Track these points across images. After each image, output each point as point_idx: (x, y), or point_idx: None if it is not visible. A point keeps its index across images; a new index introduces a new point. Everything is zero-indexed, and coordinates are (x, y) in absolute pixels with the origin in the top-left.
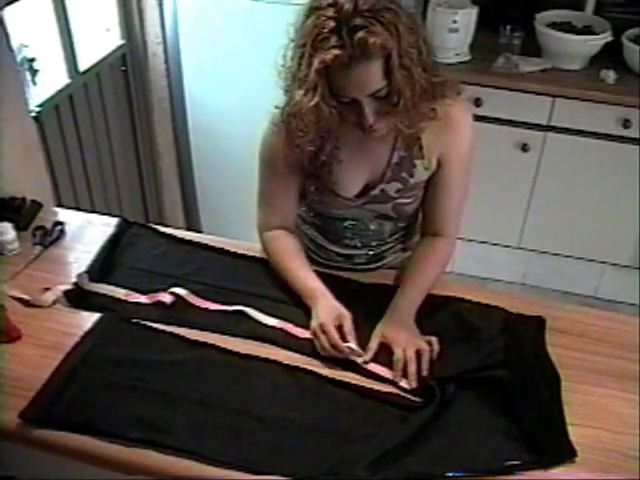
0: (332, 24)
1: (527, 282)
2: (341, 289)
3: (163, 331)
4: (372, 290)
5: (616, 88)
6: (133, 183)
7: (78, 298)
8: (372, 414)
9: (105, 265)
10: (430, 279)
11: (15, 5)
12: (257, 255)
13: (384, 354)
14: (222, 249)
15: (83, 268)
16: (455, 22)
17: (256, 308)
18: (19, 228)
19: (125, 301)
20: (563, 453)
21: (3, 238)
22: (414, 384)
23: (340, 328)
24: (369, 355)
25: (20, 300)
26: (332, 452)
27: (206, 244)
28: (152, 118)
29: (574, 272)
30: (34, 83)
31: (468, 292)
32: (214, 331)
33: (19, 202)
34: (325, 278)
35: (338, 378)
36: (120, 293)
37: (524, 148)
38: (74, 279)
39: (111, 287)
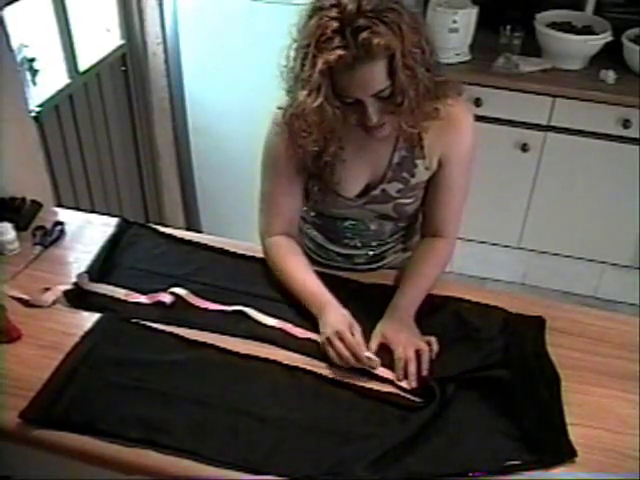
0: (335, 24)
1: (527, 282)
2: (341, 289)
3: (163, 331)
4: (372, 290)
5: (616, 88)
6: (133, 183)
7: (78, 298)
8: (372, 414)
9: (105, 265)
10: (430, 279)
11: (15, 5)
12: (257, 255)
13: (384, 354)
14: (222, 249)
15: (83, 268)
16: (455, 22)
17: (256, 308)
18: (19, 228)
19: (125, 301)
20: (563, 453)
21: (3, 238)
22: (414, 384)
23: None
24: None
25: (20, 300)
26: (332, 452)
27: (206, 244)
28: (152, 118)
29: (574, 272)
30: (34, 83)
31: (468, 292)
32: (214, 331)
33: (19, 202)
34: (325, 278)
35: (338, 378)
36: (120, 293)
37: (524, 148)
38: (74, 279)
39: (111, 287)
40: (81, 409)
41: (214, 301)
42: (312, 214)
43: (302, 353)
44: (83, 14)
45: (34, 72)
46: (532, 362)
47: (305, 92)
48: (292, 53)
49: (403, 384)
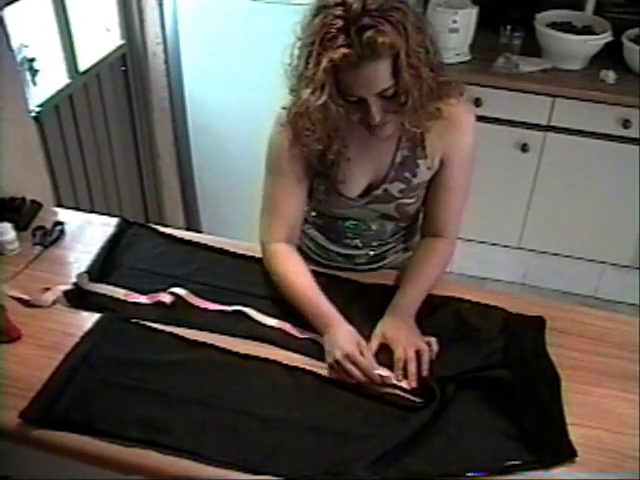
0: (340, 23)
1: (527, 282)
2: (341, 289)
3: (163, 331)
4: (372, 290)
5: (616, 88)
6: (133, 183)
7: (78, 298)
8: (372, 414)
9: (105, 265)
10: (430, 279)
11: (15, 5)
12: (257, 255)
13: (384, 354)
14: (222, 249)
15: (83, 268)
16: (455, 22)
17: (255, 308)
18: (19, 228)
19: (125, 301)
20: (563, 453)
21: (3, 238)
22: (414, 384)
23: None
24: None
25: (20, 300)
26: (332, 452)
27: (206, 244)
28: (152, 118)
29: (574, 272)
30: (34, 83)
31: (468, 292)
32: (213, 331)
33: (19, 202)
34: (325, 278)
35: (338, 378)
36: (120, 293)
37: (524, 148)
38: (74, 279)
39: (111, 287)
40: (81, 409)
41: (214, 301)
42: (313, 214)
43: (302, 353)
44: (83, 14)
45: (34, 72)
46: (532, 362)
47: (309, 90)
48: (296, 51)
49: (403, 384)
